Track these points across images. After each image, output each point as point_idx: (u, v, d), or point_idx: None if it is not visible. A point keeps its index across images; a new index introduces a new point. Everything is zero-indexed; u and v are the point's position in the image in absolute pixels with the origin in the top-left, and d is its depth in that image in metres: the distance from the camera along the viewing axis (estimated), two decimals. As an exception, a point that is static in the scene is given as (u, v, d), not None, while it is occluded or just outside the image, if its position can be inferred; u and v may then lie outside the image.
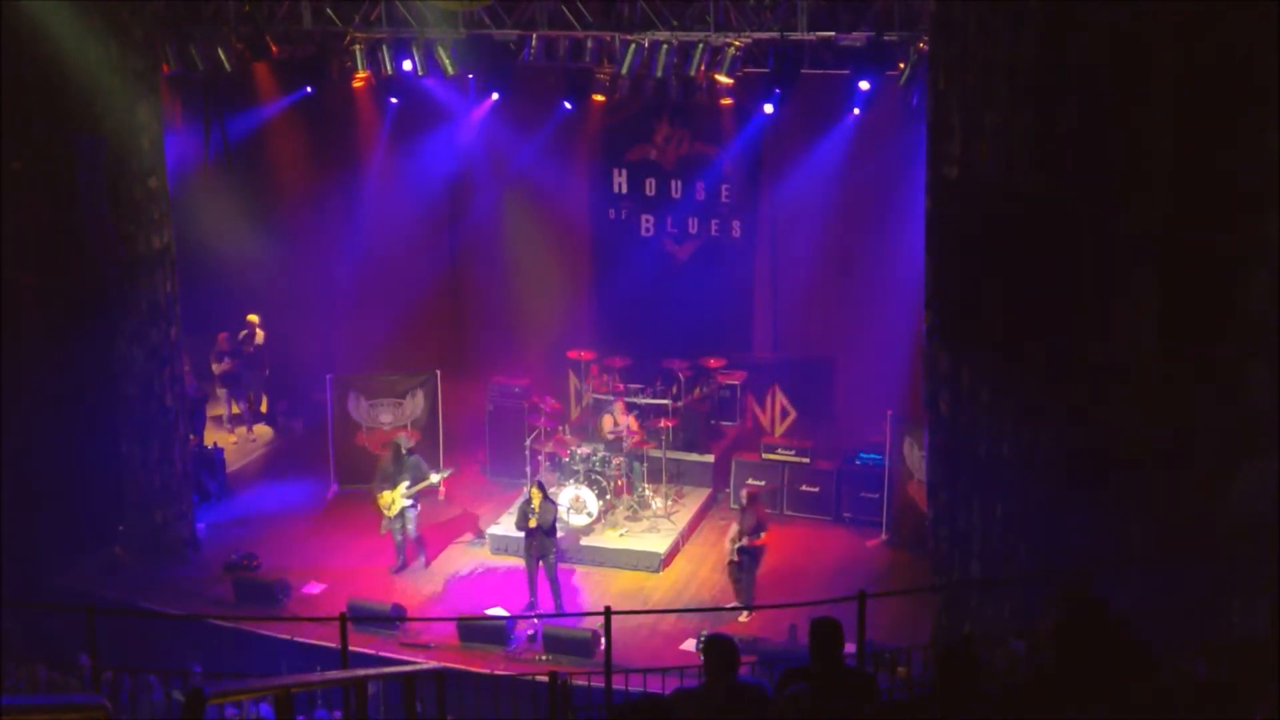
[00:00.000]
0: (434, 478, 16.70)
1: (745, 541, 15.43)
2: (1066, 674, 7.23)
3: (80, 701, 7.52)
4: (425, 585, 16.34)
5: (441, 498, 18.35)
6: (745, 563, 15.47)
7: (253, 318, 20.33)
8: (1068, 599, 7.72)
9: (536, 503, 15.57)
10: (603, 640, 10.86)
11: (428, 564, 16.80)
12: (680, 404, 18.54)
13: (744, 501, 15.93)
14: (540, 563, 15.61)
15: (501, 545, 16.98)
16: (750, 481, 17.67)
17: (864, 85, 15.65)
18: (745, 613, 15.40)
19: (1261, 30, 10.75)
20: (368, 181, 21.12)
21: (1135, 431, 11.78)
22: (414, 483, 16.51)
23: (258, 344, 20.37)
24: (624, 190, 20.37)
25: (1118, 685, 7.03)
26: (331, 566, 16.70)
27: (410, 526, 16.66)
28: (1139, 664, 7.19)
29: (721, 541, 17.26)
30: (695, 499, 18.14)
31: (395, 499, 16.54)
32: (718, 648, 7.44)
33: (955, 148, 12.46)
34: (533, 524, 15.50)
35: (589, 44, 16.29)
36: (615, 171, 20.37)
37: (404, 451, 16.74)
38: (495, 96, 18.67)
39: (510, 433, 18.82)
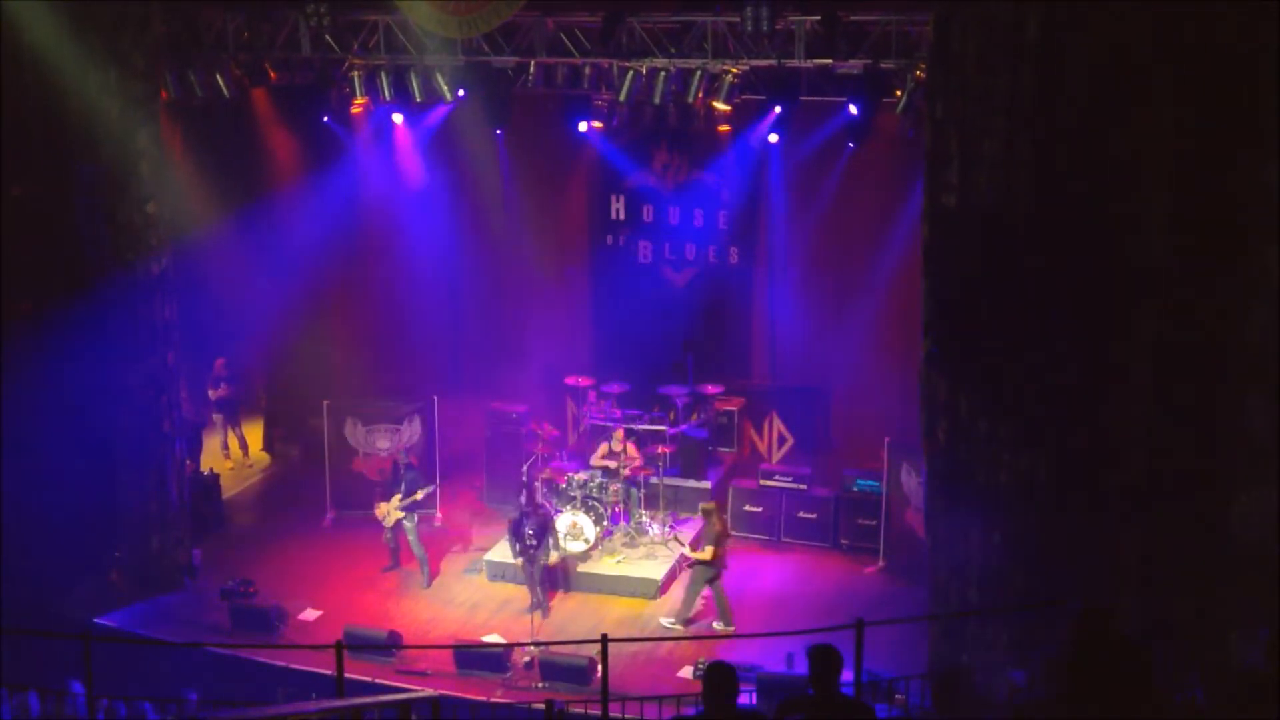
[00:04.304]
0: (419, 493, 16.78)
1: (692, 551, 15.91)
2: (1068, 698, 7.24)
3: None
4: (422, 612, 16.29)
5: (438, 523, 18.37)
6: (694, 575, 15.81)
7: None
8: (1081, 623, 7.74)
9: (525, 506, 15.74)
10: (600, 668, 10.82)
11: (429, 584, 16.79)
12: (678, 430, 18.53)
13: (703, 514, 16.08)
14: (533, 572, 15.78)
15: (498, 572, 16.94)
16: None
17: (853, 109, 15.68)
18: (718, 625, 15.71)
19: (1261, 67, 10.80)
20: (365, 207, 21.14)
21: (1134, 460, 11.79)
22: (406, 495, 16.63)
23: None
24: (622, 216, 20.41)
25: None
26: (328, 593, 16.65)
27: (411, 539, 16.82)
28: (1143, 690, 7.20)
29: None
30: (693, 526, 18.07)
31: (391, 510, 16.81)
32: (717, 676, 7.42)
33: (953, 176, 12.48)
34: (528, 539, 15.58)
35: (587, 71, 16.35)
36: (613, 198, 20.40)
37: (402, 466, 17.03)
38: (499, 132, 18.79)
39: (508, 459, 18.78)
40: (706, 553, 15.65)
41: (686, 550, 16.29)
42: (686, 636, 15.46)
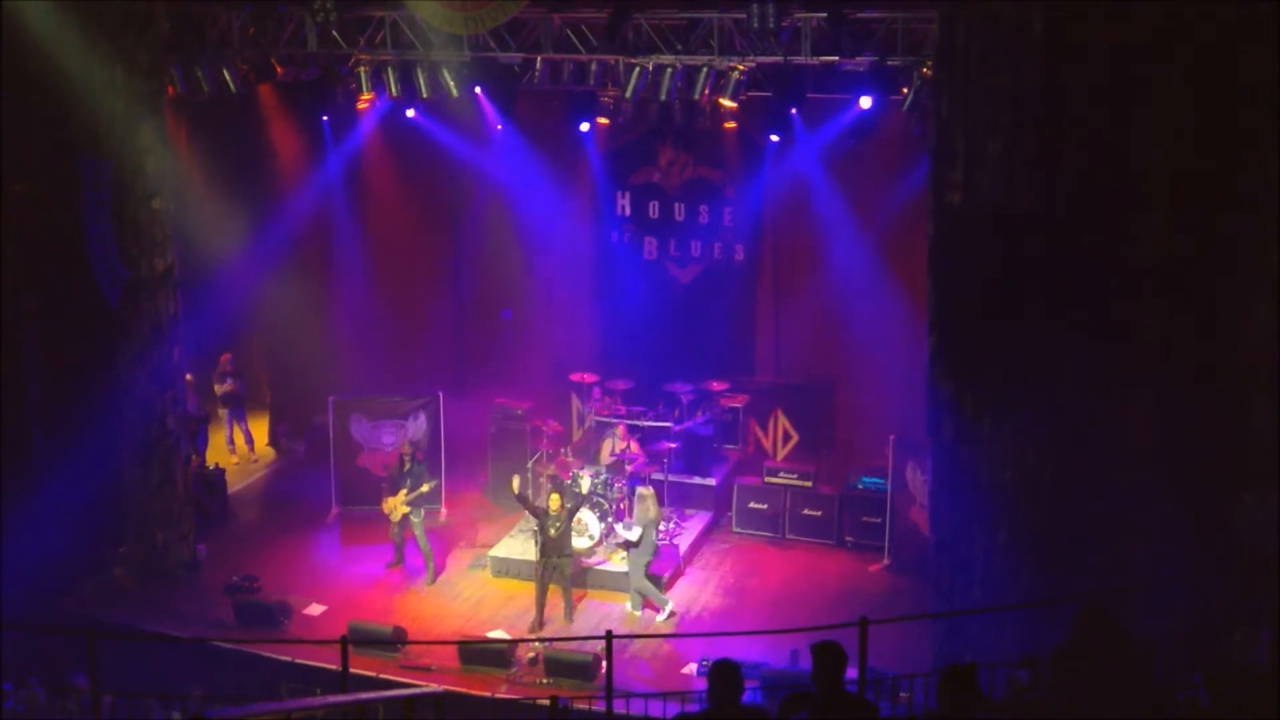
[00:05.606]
0: (425, 487, 16.78)
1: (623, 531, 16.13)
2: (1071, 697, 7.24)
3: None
4: (426, 607, 16.30)
5: (443, 519, 18.39)
6: (631, 563, 15.88)
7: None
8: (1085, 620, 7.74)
9: (554, 509, 15.58)
10: (604, 664, 10.84)
11: (434, 580, 16.81)
12: (682, 427, 18.53)
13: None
14: (553, 580, 15.60)
15: (503, 568, 16.96)
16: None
17: (864, 102, 15.61)
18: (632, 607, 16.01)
19: (1262, 65, 10.80)
20: (370, 203, 21.16)
21: (1137, 459, 11.78)
22: (412, 489, 16.64)
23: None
24: (627, 213, 20.43)
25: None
26: (332, 588, 16.67)
27: (417, 534, 16.83)
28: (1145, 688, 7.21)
29: (723, 565, 17.32)
30: (697, 523, 18.10)
31: (396, 505, 16.82)
32: (721, 673, 7.43)
33: (958, 174, 12.46)
34: (552, 533, 15.46)
35: (593, 67, 16.31)
36: (619, 194, 20.42)
37: (408, 460, 17.01)
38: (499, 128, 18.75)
39: (512, 455, 18.79)
40: (634, 533, 15.69)
41: (618, 529, 16.45)
42: (690, 635, 15.47)
